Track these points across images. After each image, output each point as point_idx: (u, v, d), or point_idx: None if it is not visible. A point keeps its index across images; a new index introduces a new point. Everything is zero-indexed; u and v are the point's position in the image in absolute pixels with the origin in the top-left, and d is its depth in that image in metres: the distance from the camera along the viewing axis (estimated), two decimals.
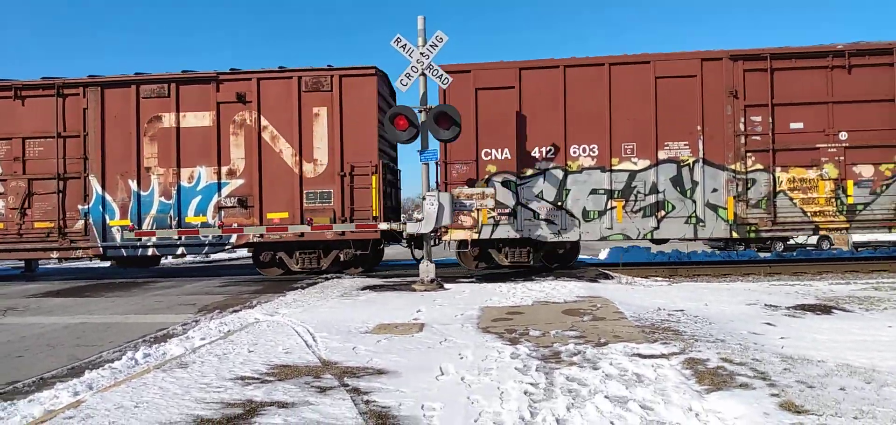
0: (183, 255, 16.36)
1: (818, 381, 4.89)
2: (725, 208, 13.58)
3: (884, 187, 13.43)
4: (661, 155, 13.75)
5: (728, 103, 13.59)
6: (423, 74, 11.69)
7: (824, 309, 8.39)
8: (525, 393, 4.81)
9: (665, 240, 14.19)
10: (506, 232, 14.00)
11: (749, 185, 13.59)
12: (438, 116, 11.74)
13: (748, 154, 13.60)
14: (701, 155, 13.58)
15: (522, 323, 7.78)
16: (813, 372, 5.15)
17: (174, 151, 14.95)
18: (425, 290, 11.27)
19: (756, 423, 4.05)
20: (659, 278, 12.94)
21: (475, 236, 14.09)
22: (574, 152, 13.92)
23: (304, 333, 7.44)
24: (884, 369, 5.21)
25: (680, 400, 4.54)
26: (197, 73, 15.03)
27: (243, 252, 16.84)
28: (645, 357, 5.80)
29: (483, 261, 14.99)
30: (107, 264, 20.84)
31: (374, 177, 14.58)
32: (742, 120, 13.57)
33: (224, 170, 14.92)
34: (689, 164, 13.71)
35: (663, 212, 13.72)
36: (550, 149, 13.93)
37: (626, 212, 13.77)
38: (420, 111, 11.81)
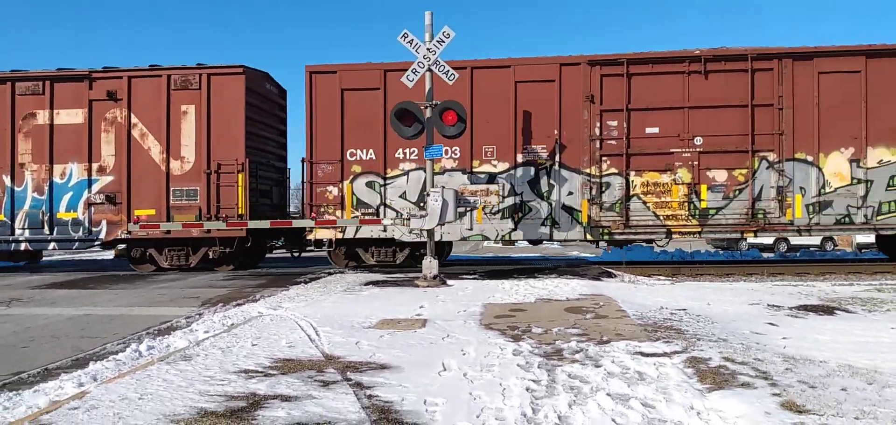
0: (55, 250, 16.76)
1: (820, 381, 4.90)
2: (580, 211, 13.82)
3: (736, 192, 13.61)
4: (520, 158, 14.00)
5: (585, 108, 13.80)
6: (430, 70, 11.69)
7: (827, 310, 8.38)
8: (527, 389, 4.82)
9: (533, 241, 14.42)
10: (369, 231, 14.18)
11: (603, 189, 13.82)
12: (444, 112, 11.74)
13: (603, 158, 13.83)
14: (558, 158, 13.75)
15: (525, 320, 7.79)
16: (815, 373, 5.15)
17: (47, 148, 15.24)
18: (428, 286, 11.29)
19: (757, 422, 4.06)
20: (662, 277, 12.93)
21: (339, 235, 14.32)
22: None
23: (307, 327, 7.46)
24: (886, 370, 5.21)
25: (682, 398, 4.56)
26: (71, 70, 15.30)
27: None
28: (647, 355, 5.81)
29: (352, 260, 15.14)
30: (110, 255, 20.95)
31: (240, 176, 14.79)
32: (598, 124, 13.78)
33: (95, 166, 15.19)
34: (546, 167, 13.94)
35: (521, 214, 13.95)
36: (414, 151, 14.10)
37: (485, 214, 13.97)
38: (425, 107, 11.82)
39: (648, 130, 13.72)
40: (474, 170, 14.03)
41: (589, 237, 13.91)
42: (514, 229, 13.92)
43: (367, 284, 11.85)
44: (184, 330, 7.72)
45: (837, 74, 13.48)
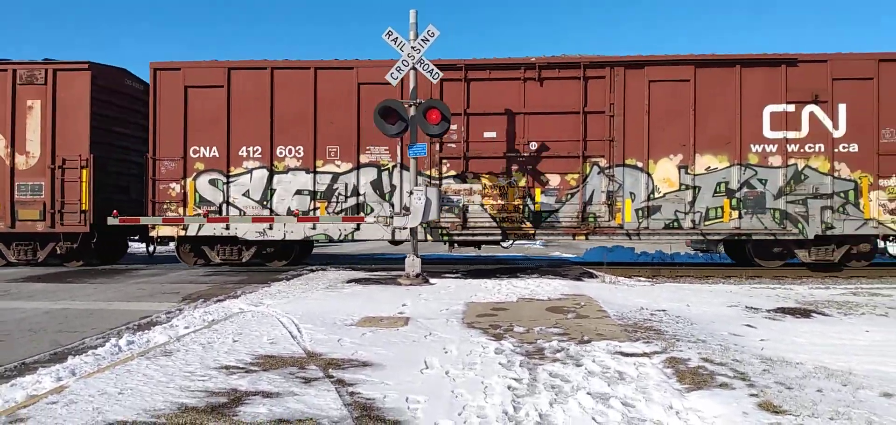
0: None
1: (796, 383, 4.98)
2: None
3: (569, 196, 13.93)
4: (364, 159, 14.20)
5: None
6: (414, 69, 11.69)
7: (804, 312, 8.51)
8: (509, 388, 4.85)
9: (366, 241, 14.81)
10: (213, 229, 14.29)
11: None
12: (428, 111, 11.74)
13: (443, 160, 14.07)
14: (399, 160, 13.78)
15: (507, 319, 7.83)
16: (791, 374, 5.24)
17: None
18: (411, 285, 11.29)
19: (735, 423, 4.12)
20: (642, 278, 13.04)
21: (182, 232, 14.42)
22: (280, 153, 14.31)
23: (288, 324, 7.44)
24: (860, 372, 5.31)
25: (661, 398, 4.61)
26: None
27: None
28: (627, 355, 5.87)
29: (200, 258, 15.21)
30: None
31: (83, 171, 14.77)
32: None
33: None
34: (389, 169, 14.15)
35: (363, 214, 14.15)
36: (258, 149, 14.26)
37: (328, 213, 14.16)
38: (409, 106, 11.81)
39: (487, 134, 14.02)
40: (318, 169, 14.20)
41: (429, 238, 14.25)
42: (357, 229, 14.12)
43: (349, 282, 11.83)
44: (164, 326, 7.66)
45: (668, 83, 13.82)
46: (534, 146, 13.83)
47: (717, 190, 13.75)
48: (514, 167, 13.93)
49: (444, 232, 14.04)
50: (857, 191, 13.57)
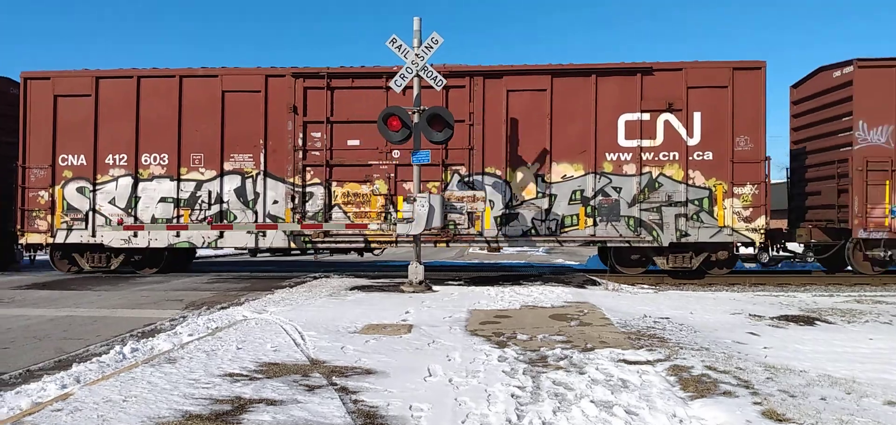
0: None
1: (800, 391, 4.98)
2: (284, 219, 14.16)
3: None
4: (227, 166, 14.31)
5: (289, 119, 14.19)
6: (418, 76, 11.72)
7: (807, 320, 8.50)
8: (512, 395, 4.86)
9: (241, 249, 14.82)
10: (80, 236, 14.41)
11: (307, 198, 14.22)
12: (432, 118, 11.76)
13: (307, 168, 14.22)
14: (263, 167, 14.12)
15: (510, 326, 7.83)
16: (795, 382, 5.23)
17: None
18: (414, 292, 11.30)
19: None
20: (645, 286, 13.04)
21: (50, 240, 14.52)
22: (146, 160, 14.43)
23: (292, 331, 7.45)
24: (864, 380, 5.30)
25: (664, 406, 4.61)
26: None
27: (230, 249, 16.89)
28: (630, 363, 5.87)
29: (73, 265, 15.26)
30: None
31: None
32: (301, 135, 14.16)
33: None
34: (252, 176, 14.29)
35: (226, 222, 14.24)
36: (124, 157, 14.45)
37: (192, 221, 14.25)
38: (413, 113, 11.84)
39: (350, 142, 14.18)
40: (182, 177, 14.33)
41: (293, 245, 14.33)
42: (221, 237, 14.19)
43: (352, 289, 11.85)
44: (168, 333, 7.68)
45: (526, 93, 13.93)
46: (397, 154, 13.97)
47: (573, 198, 13.86)
48: (377, 175, 14.09)
49: (307, 238, 14.15)
50: (711, 198, 13.61)
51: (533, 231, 13.87)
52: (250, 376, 5.44)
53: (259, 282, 13.46)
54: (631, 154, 13.74)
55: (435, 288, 11.82)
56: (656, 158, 13.73)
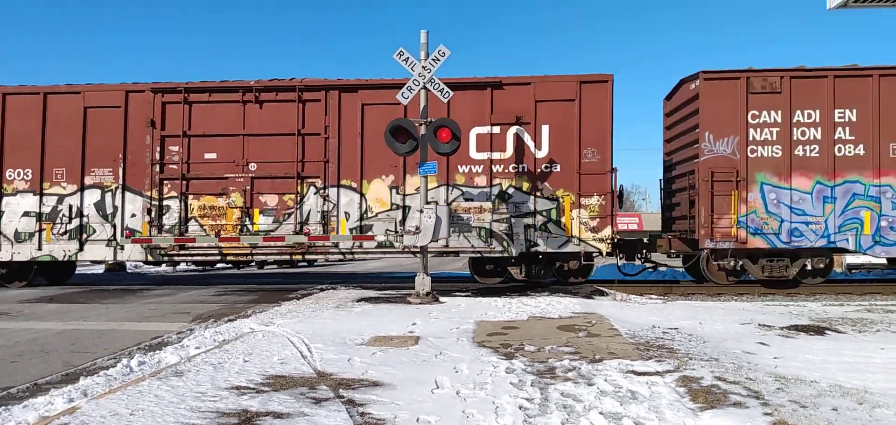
0: None
1: (811, 401, 4.92)
2: (141, 232, 14.30)
3: (286, 216, 14.23)
4: (88, 180, 14.51)
5: (148, 133, 14.40)
6: (425, 88, 11.74)
7: (818, 330, 8.43)
8: (520, 408, 4.83)
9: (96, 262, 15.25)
10: None
11: (164, 212, 14.39)
12: (439, 130, 11.77)
13: (165, 181, 14.42)
14: (122, 181, 14.26)
15: (517, 338, 7.80)
16: (806, 393, 5.18)
17: None
18: (421, 303, 11.27)
19: None
20: (654, 296, 12.97)
21: None
22: (10, 175, 14.66)
23: (299, 344, 7.44)
24: (876, 391, 5.25)
25: (674, 417, 4.57)
26: None
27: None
28: (639, 374, 5.82)
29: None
30: (100, 270, 20.82)
31: None
32: (159, 149, 14.36)
33: None
34: (112, 190, 14.51)
35: (86, 235, 14.44)
36: None
37: (54, 234, 14.49)
38: (420, 124, 11.85)
39: (207, 156, 14.37)
40: (45, 191, 14.55)
41: (150, 258, 14.50)
42: (80, 250, 14.42)
43: (359, 300, 11.83)
44: (175, 346, 7.68)
45: (381, 106, 14.05)
46: (253, 167, 14.20)
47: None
48: (233, 188, 14.24)
49: (163, 252, 14.31)
50: (559, 209, 13.73)
51: (387, 242, 14.02)
52: (257, 389, 5.43)
53: (266, 295, 13.46)
54: (482, 166, 13.96)
55: (442, 299, 11.79)
56: (506, 170, 13.95)
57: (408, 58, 11.69)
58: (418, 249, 12.20)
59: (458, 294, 13.00)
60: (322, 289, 14.21)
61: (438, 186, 13.88)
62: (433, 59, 11.62)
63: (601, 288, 14.03)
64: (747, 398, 5.00)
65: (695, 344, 7.37)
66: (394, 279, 17.71)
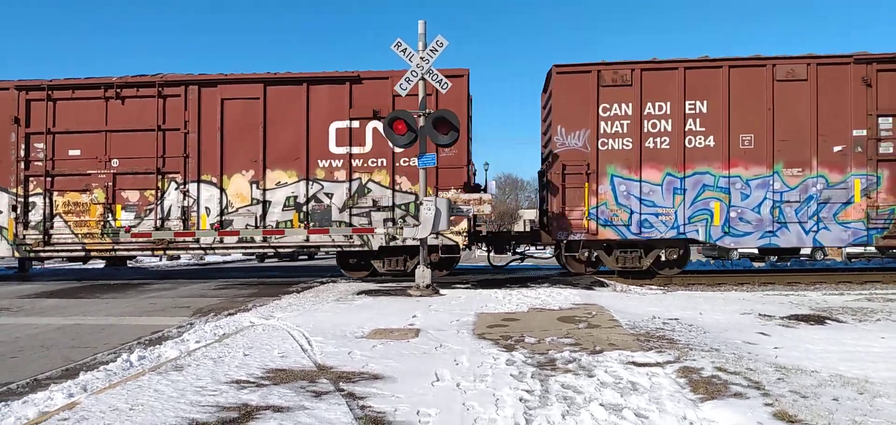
0: None
1: (812, 391, 4.92)
2: (8, 229, 14.44)
3: (148, 211, 14.42)
4: None
5: (13, 130, 14.54)
6: (423, 79, 11.70)
7: (818, 319, 8.43)
8: (520, 399, 4.82)
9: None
10: None
11: (29, 209, 14.58)
12: (437, 121, 11.73)
13: (30, 178, 14.55)
14: None
15: (518, 329, 7.79)
16: (806, 383, 5.17)
17: None
18: (421, 296, 11.27)
19: None
20: (654, 286, 12.97)
21: None
22: None
23: (299, 337, 7.43)
24: (877, 380, 5.24)
25: (674, 408, 4.56)
26: None
27: (238, 253, 17.11)
28: (640, 365, 5.82)
29: None
30: (100, 265, 20.82)
31: None
32: (24, 146, 14.50)
33: None
34: None
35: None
36: None
37: None
38: (419, 116, 11.82)
39: (72, 152, 14.55)
40: None
41: (17, 254, 14.65)
42: None
43: (359, 293, 11.83)
44: (175, 340, 7.67)
45: (239, 101, 14.21)
46: (116, 163, 14.34)
47: (287, 204, 14.19)
48: (96, 184, 14.36)
49: (29, 248, 14.45)
50: (417, 204, 13.64)
51: (248, 237, 14.11)
52: (257, 383, 5.42)
53: (267, 288, 13.46)
54: (342, 160, 14.14)
55: (442, 291, 11.79)
56: (365, 165, 14.16)
57: (406, 49, 11.64)
58: (418, 241, 12.18)
59: (458, 286, 13.00)
60: (323, 283, 14.21)
61: (298, 180, 14.11)
62: (431, 50, 11.57)
63: (601, 278, 14.03)
64: (748, 388, 4.99)
65: (695, 335, 7.37)
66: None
